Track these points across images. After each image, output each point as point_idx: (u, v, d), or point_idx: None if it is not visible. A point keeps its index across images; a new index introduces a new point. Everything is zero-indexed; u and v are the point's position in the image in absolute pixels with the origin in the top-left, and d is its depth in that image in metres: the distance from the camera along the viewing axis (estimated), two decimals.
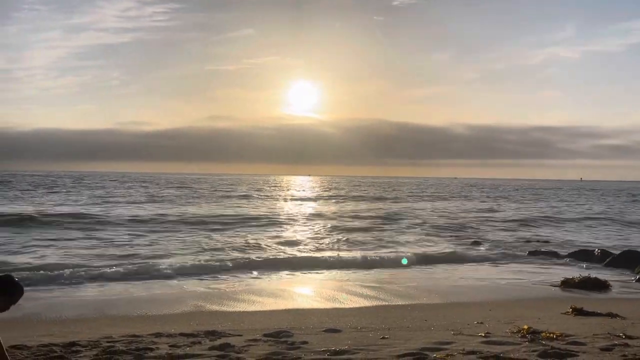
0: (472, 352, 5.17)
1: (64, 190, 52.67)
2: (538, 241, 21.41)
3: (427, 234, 22.78)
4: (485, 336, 6.19)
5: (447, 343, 5.74)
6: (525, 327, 6.51)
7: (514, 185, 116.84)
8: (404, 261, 12.52)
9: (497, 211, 37.53)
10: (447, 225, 26.72)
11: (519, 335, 6.25)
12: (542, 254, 17.84)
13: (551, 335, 6.13)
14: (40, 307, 9.10)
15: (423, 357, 5.00)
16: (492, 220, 29.65)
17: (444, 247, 19.28)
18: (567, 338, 6.07)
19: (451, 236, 22.38)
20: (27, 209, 28.92)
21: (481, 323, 7.47)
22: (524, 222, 29.27)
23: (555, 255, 17.54)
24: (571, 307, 8.65)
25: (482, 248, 19.28)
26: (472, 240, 21.14)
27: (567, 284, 11.95)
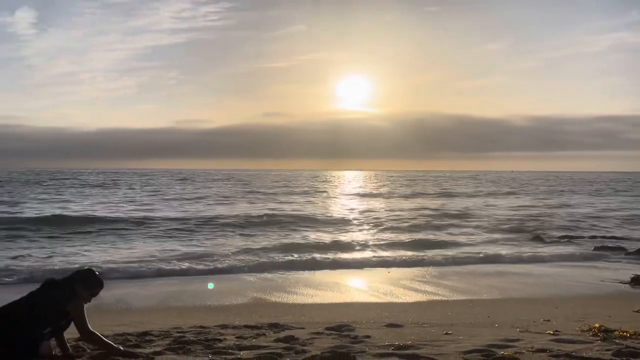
0: (542, 350, 5.03)
1: (132, 188, 54.80)
2: (604, 237, 20.53)
3: (489, 231, 22.29)
4: (554, 334, 6.01)
5: (514, 340, 5.62)
6: (597, 325, 6.27)
7: (578, 179, 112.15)
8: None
9: (561, 206, 36.22)
10: (509, 219, 26.06)
11: (590, 333, 6.04)
12: (610, 249, 17.12)
13: (624, 333, 5.88)
14: (111, 299, 9.51)
15: (491, 353, 4.90)
16: (556, 216, 28.65)
17: (505, 244, 18.86)
18: None
19: (513, 232, 21.79)
20: (99, 208, 30.24)
21: (548, 320, 7.27)
22: (590, 217, 28.12)
23: (623, 251, 16.79)
24: None
25: (546, 244, 18.71)
26: (535, 235, 20.54)
27: (637, 281, 11.41)
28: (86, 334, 4.88)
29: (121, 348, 4.95)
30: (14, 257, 14.04)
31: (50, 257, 14.49)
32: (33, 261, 13.67)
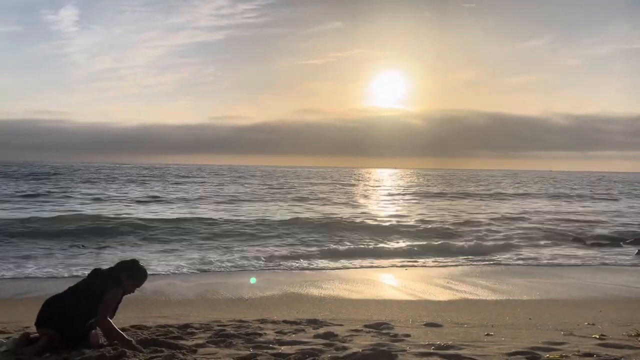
0: (589, 354, 4.88)
1: (184, 185, 55.62)
2: None
3: (528, 231, 21.83)
4: (600, 338, 5.83)
5: (559, 343, 5.46)
6: None
7: (620, 179, 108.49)
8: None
9: (604, 209, 35.19)
10: (550, 221, 25.49)
11: (639, 339, 5.83)
12: None
13: None
14: (148, 292, 9.70)
15: (535, 356, 4.78)
16: (599, 217, 27.85)
17: (545, 245, 18.49)
18: None
19: (554, 233, 21.29)
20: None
21: (593, 324, 7.06)
22: (635, 220, 27.20)
23: None
24: None
25: (587, 246, 18.24)
26: (576, 237, 20.03)
27: None
28: (102, 318, 4.75)
29: (133, 342, 4.76)
30: None
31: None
32: None
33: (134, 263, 5.20)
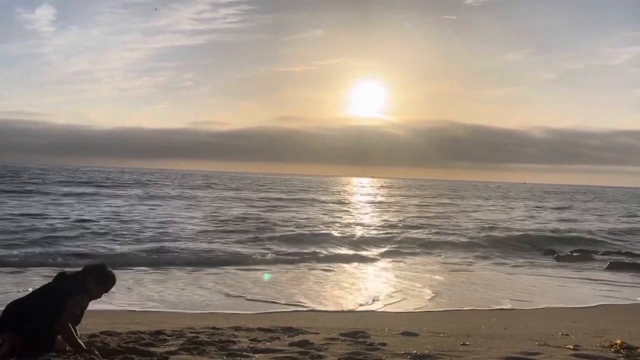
0: None
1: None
2: (620, 252, 20.26)
3: (502, 244, 22.03)
4: (574, 349, 5.85)
5: (534, 354, 5.47)
6: (618, 341, 6.10)
7: (592, 192, 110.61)
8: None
9: (575, 220, 35.80)
10: (524, 234, 25.80)
11: (612, 349, 5.87)
12: (625, 266, 16.87)
13: None
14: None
15: None
16: (570, 230, 28.29)
17: (515, 257, 18.69)
18: None
19: (527, 245, 21.55)
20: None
21: (567, 335, 7.10)
22: (609, 232, 27.68)
23: (638, 267, 16.53)
24: None
25: (558, 258, 18.49)
26: (548, 250, 20.28)
27: None
28: (63, 324, 4.57)
29: (92, 348, 4.67)
30: None
31: None
32: None
33: (101, 267, 5.02)
